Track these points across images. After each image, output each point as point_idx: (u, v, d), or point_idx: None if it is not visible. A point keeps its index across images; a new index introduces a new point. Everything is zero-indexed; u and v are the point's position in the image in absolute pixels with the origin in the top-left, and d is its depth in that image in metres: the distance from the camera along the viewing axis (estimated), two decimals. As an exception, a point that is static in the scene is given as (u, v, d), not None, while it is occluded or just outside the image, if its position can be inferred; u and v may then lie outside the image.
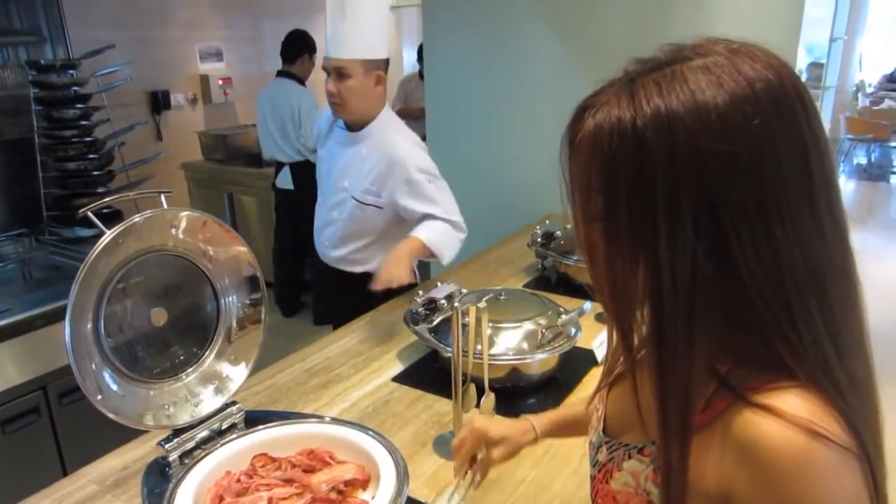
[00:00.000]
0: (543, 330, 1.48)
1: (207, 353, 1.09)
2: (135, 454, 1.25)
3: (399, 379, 1.53)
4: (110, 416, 0.94)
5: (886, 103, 8.53)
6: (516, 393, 1.45)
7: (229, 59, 4.79)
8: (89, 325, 0.94)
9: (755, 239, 0.50)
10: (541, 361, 1.46)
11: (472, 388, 1.27)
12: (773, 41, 0.56)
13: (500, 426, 0.96)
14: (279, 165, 3.69)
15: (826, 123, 7.63)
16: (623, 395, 0.73)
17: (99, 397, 0.92)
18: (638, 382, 0.62)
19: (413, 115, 4.61)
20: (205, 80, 4.64)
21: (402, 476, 1.01)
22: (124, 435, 1.28)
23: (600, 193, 0.55)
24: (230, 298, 1.10)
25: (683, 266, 0.51)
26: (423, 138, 3.30)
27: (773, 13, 2.67)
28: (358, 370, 1.57)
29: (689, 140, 0.50)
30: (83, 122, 2.36)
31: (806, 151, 0.52)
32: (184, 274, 1.07)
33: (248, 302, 1.11)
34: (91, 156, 2.37)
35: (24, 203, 2.46)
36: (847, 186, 7.81)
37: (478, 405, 1.27)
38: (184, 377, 1.07)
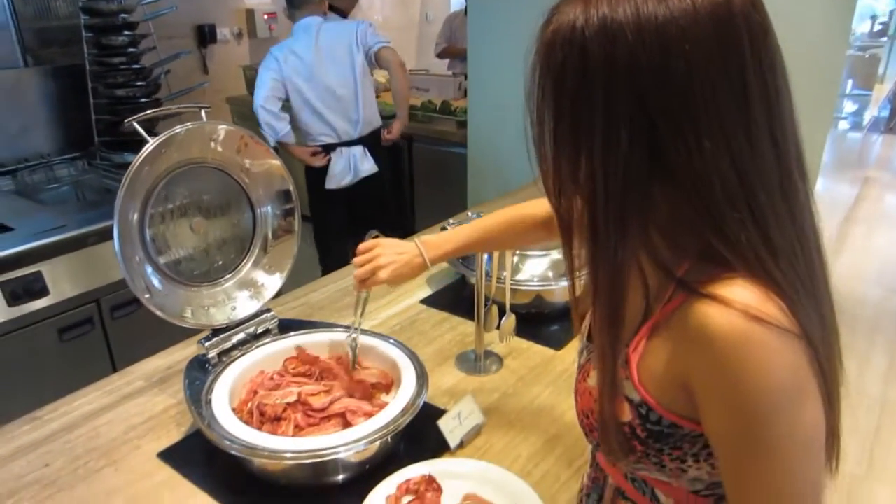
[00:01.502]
0: (569, 259, 1.51)
1: (245, 261, 1.16)
2: (178, 356, 1.35)
3: (427, 301, 1.58)
4: (155, 311, 1.01)
5: (960, 53, 8.02)
6: (539, 319, 1.49)
7: (275, -7, 4.78)
8: (135, 229, 1.01)
9: (687, 148, 0.53)
10: (564, 289, 1.49)
11: (494, 309, 1.32)
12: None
13: (394, 271, 1.05)
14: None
15: (893, 76, 7.20)
16: None
17: (147, 296, 1.00)
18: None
19: (459, 56, 4.55)
20: (250, 14, 4.65)
21: (423, 381, 1.07)
22: (170, 344, 1.38)
23: (551, 97, 0.59)
24: (265, 209, 1.16)
25: (616, 168, 0.55)
26: (465, 76, 3.29)
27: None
28: (388, 292, 1.63)
29: (629, 52, 0.52)
30: (131, 50, 2.42)
31: (743, 74, 0.53)
32: (222, 186, 1.13)
33: (281, 213, 1.17)
34: (139, 83, 2.45)
35: (77, 128, 2.57)
36: (902, 141, 7.45)
37: (499, 326, 1.32)
38: (222, 282, 1.14)
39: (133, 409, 1.19)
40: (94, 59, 2.42)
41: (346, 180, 2.86)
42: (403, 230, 2.86)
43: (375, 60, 2.82)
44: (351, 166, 2.86)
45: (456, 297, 1.61)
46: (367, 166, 2.90)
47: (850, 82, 3.26)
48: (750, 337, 0.53)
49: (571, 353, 1.37)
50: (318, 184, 2.86)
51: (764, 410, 0.53)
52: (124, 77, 2.43)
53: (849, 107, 4.05)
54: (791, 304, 0.54)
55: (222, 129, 1.07)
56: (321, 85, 2.72)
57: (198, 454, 1.06)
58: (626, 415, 0.65)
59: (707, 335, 0.55)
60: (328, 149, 2.81)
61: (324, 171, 2.83)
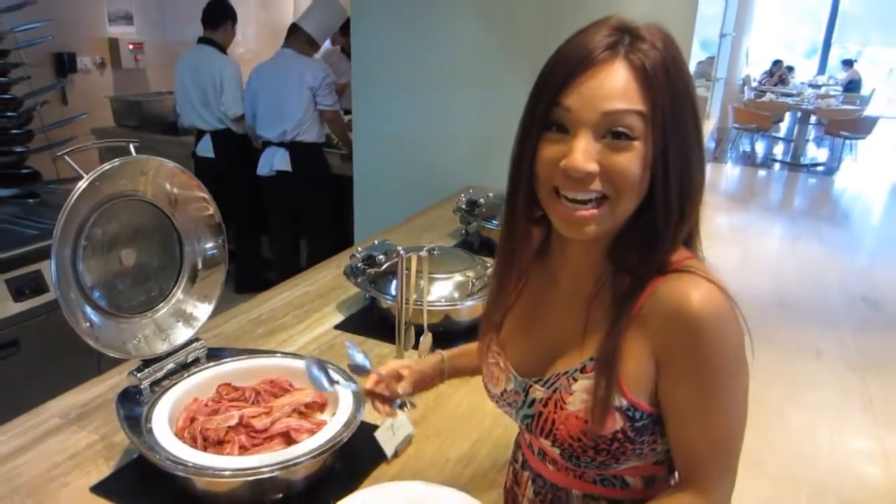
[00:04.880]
0: (473, 280, 1.65)
1: (174, 291, 1.18)
2: (93, 392, 1.32)
3: (341, 327, 1.65)
4: (92, 344, 1.02)
5: (768, 96, 9.39)
6: (448, 337, 1.60)
7: (140, 23, 4.64)
8: (69, 265, 1.01)
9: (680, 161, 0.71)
10: (470, 308, 1.63)
11: (411, 329, 1.43)
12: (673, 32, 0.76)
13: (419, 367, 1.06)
14: (199, 134, 3.66)
15: (716, 112, 8.31)
16: (529, 341, 0.86)
17: (86, 325, 1.00)
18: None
19: (340, 93, 4.64)
20: (114, 43, 4.49)
21: (358, 399, 1.14)
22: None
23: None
24: (193, 243, 1.19)
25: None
26: (347, 112, 3.42)
27: (670, 9, 2.93)
28: (301, 320, 1.68)
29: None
30: (1, 80, 2.29)
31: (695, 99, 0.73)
32: (151, 219, 1.14)
33: (210, 245, 1.20)
34: (9, 113, 2.31)
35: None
36: (733, 172, 8.55)
37: (415, 346, 1.43)
38: (150, 314, 1.15)
39: (53, 447, 1.16)
40: (-43, 88, 2.26)
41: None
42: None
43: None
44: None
45: (367, 321, 1.69)
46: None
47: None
48: (725, 307, 0.69)
49: (481, 366, 1.49)
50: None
51: (733, 365, 0.70)
52: (-7, 108, 2.29)
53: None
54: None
55: (154, 163, 1.10)
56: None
57: (135, 485, 1.06)
58: (617, 423, 0.73)
59: (686, 309, 0.68)
60: None
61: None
